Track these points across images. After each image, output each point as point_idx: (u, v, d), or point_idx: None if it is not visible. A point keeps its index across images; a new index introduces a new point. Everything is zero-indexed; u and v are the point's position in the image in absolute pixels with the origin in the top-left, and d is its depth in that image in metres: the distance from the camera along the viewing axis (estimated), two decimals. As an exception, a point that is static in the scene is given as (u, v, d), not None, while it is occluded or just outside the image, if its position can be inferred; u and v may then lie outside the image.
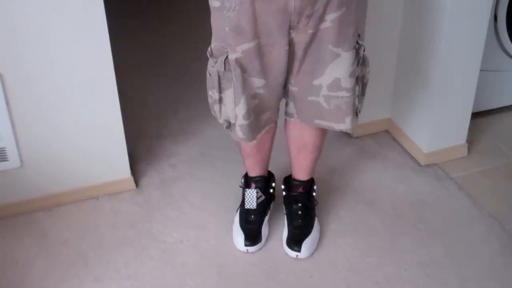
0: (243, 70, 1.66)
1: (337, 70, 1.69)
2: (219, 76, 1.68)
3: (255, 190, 2.03)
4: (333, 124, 1.81)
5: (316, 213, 2.07)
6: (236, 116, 1.73)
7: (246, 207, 2.03)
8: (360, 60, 1.72)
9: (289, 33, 1.61)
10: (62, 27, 1.88)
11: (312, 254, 1.99)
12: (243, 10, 1.56)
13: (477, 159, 2.45)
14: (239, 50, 1.62)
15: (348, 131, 1.86)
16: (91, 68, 1.98)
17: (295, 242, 1.97)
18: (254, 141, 1.83)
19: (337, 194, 2.24)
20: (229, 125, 1.77)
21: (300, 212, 2.00)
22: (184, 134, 2.54)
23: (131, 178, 2.25)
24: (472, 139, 2.51)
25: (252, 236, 1.99)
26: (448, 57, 2.20)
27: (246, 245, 1.98)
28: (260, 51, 1.63)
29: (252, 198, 2.03)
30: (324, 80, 1.71)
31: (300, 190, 2.03)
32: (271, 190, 2.09)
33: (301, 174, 2.03)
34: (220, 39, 1.66)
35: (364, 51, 1.72)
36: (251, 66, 1.65)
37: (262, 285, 1.90)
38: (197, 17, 3.38)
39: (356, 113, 1.80)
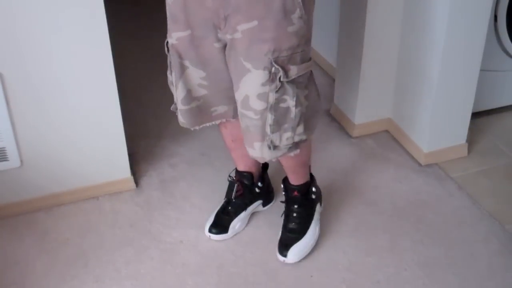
0: (181, 57, 1.69)
1: (247, 86, 1.61)
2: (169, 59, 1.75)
3: (236, 184, 2.06)
4: (246, 146, 1.73)
5: (319, 216, 2.05)
6: (177, 100, 1.77)
7: (227, 197, 2.08)
8: (277, 87, 1.58)
9: (217, 32, 1.60)
10: (62, 27, 1.88)
11: (312, 254, 1.98)
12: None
13: (477, 159, 2.45)
14: (174, 36, 1.67)
15: (259, 160, 1.75)
16: (91, 68, 1.98)
17: (284, 245, 1.95)
18: (197, 128, 1.82)
19: (337, 194, 2.24)
20: (176, 108, 1.81)
21: (295, 214, 1.98)
22: (184, 134, 2.54)
23: (131, 178, 2.25)
24: (472, 139, 2.51)
25: (219, 225, 2.04)
26: (448, 57, 2.20)
27: (209, 231, 2.04)
28: (194, 43, 1.64)
29: (232, 190, 2.06)
30: (238, 95, 1.65)
31: (296, 193, 2.00)
32: (257, 189, 2.09)
33: (293, 178, 1.98)
34: (167, 21, 1.70)
35: (282, 78, 1.56)
36: (188, 54, 1.68)
37: (262, 285, 1.90)
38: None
39: (269, 145, 1.67)
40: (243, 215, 2.07)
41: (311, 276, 1.93)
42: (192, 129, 1.83)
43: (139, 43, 3.24)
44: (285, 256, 1.93)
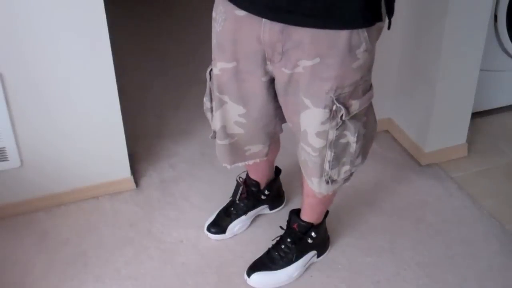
0: (221, 91, 1.62)
1: (305, 122, 1.55)
2: (210, 86, 1.68)
3: (242, 187, 2.04)
4: (305, 176, 1.69)
5: (309, 264, 1.94)
6: (214, 129, 1.72)
7: (232, 198, 2.07)
8: (338, 124, 1.51)
9: (266, 64, 1.52)
10: (62, 27, 1.88)
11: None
12: (226, 28, 1.52)
13: (477, 159, 2.45)
14: (218, 66, 1.59)
15: (316, 194, 1.70)
16: (91, 68, 1.98)
17: (255, 267, 1.89)
18: (228, 166, 1.77)
19: (337, 194, 2.22)
20: (215, 136, 1.75)
21: (283, 247, 1.89)
22: (184, 134, 2.54)
23: (131, 178, 2.25)
24: (472, 139, 2.51)
25: (218, 225, 2.04)
26: (448, 57, 2.20)
27: (207, 229, 2.04)
28: (238, 77, 1.56)
29: (237, 192, 2.05)
30: (296, 126, 1.60)
31: (295, 227, 1.90)
32: (262, 196, 2.07)
33: (305, 213, 1.89)
34: (213, 49, 1.62)
35: (343, 116, 1.49)
36: (228, 89, 1.60)
37: (262, 285, 1.90)
38: (198, 17, 3.38)
39: (327, 180, 1.63)
40: (244, 217, 2.06)
41: (311, 276, 1.93)
42: (223, 165, 1.78)
43: (139, 43, 3.24)
44: (248, 276, 1.88)
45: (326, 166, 1.59)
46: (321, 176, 1.62)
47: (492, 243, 2.06)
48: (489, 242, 2.06)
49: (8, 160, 2.03)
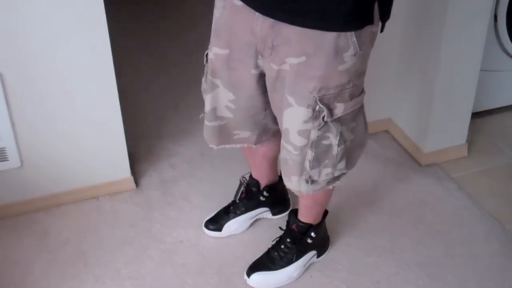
0: (214, 75, 1.64)
1: (288, 120, 1.56)
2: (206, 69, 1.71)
3: (243, 186, 2.04)
4: (283, 176, 1.69)
5: (309, 264, 1.94)
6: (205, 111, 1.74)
7: (233, 198, 2.07)
8: (320, 125, 1.51)
9: (258, 58, 1.54)
10: (62, 27, 1.88)
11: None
12: (224, 15, 1.55)
13: (477, 159, 2.45)
14: (213, 51, 1.61)
15: (295, 193, 1.71)
16: (91, 68, 1.98)
17: (255, 267, 1.90)
18: (214, 147, 1.78)
19: (337, 194, 2.23)
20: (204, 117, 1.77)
21: (283, 247, 1.89)
22: (184, 134, 2.54)
23: (131, 178, 2.25)
24: (472, 139, 2.51)
25: (215, 222, 2.05)
26: (448, 57, 2.20)
27: (205, 225, 2.06)
28: (230, 64, 1.58)
29: (238, 191, 2.05)
30: (280, 125, 1.62)
31: (294, 227, 1.90)
32: (261, 198, 2.07)
33: (302, 213, 1.89)
34: (211, 33, 1.65)
35: (325, 118, 1.49)
36: (220, 74, 1.62)
37: (262, 285, 1.90)
38: (198, 17, 3.38)
39: (307, 179, 1.62)
40: (242, 218, 2.06)
41: (311, 276, 1.93)
42: (210, 146, 1.79)
43: (139, 43, 3.24)
44: (248, 276, 1.88)
45: (307, 165, 1.59)
46: (301, 174, 1.62)
47: (492, 243, 2.06)
48: (489, 242, 2.06)
49: (8, 160, 2.03)
